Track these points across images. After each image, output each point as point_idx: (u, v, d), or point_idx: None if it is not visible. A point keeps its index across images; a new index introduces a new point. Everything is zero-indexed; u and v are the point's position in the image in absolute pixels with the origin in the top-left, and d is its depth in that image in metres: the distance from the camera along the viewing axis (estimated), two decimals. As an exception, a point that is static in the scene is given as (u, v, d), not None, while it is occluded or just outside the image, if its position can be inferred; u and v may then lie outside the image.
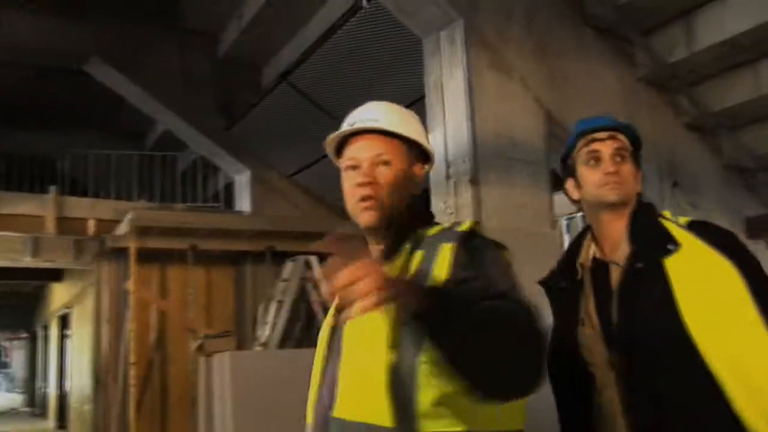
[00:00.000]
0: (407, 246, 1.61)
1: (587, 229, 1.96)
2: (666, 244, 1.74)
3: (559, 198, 5.04)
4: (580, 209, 1.98)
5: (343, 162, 1.72)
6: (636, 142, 1.94)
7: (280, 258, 8.55)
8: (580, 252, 1.93)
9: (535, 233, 4.47)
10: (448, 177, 4.47)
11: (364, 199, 1.64)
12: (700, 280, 1.67)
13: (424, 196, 1.91)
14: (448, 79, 4.51)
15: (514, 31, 4.59)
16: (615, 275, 1.80)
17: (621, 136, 1.90)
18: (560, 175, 2.04)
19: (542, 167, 4.70)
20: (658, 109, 5.50)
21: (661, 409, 1.63)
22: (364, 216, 1.65)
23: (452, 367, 1.26)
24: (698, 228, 1.78)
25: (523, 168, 4.56)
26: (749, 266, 1.69)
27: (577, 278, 1.90)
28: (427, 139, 1.77)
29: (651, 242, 1.77)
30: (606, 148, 1.89)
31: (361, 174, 1.66)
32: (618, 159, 1.87)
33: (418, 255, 1.57)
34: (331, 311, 1.74)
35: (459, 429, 1.41)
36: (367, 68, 7.50)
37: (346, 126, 1.73)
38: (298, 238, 8.69)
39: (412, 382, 1.42)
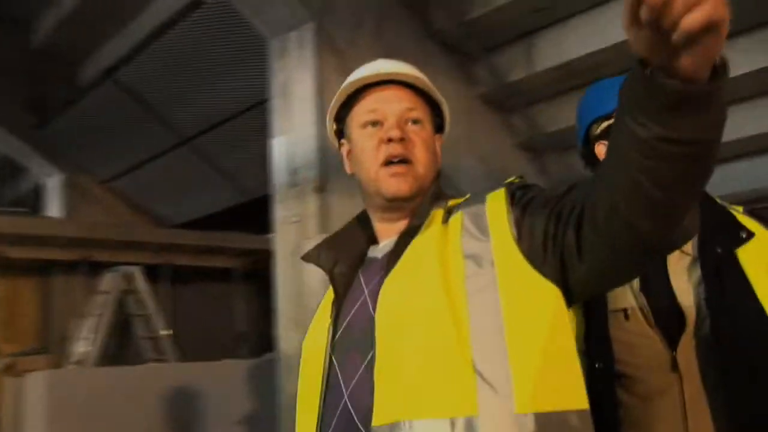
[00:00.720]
0: (438, 215, 1.30)
1: None
2: (738, 231, 1.55)
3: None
4: None
5: (358, 117, 1.38)
6: None
7: (96, 269, 7.93)
8: None
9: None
10: (294, 184, 4.30)
11: (394, 160, 1.31)
12: None
13: None
14: (297, 82, 4.35)
15: (363, 40, 4.52)
16: (678, 262, 1.57)
17: None
18: (584, 138, 1.79)
19: (387, 178, 4.67)
20: (494, 128, 5.65)
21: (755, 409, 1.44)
22: (393, 183, 1.31)
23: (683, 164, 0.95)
24: (759, 217, 1.62)
25: (369, 178, 4.50)
26: None
27: None
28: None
29: (721, 228, 1.57)
30: None
31: (389, 128, 1.33)
32: None
33: (458, 217, 1.27)
34: (323, 314, 1.39)
35: (558, 408, 1.12)
36: (206, 68, 7.15)
37: (354, 80, 1.39)
38: (117, 247, 8.12)
39: (502, 353, 1.12)
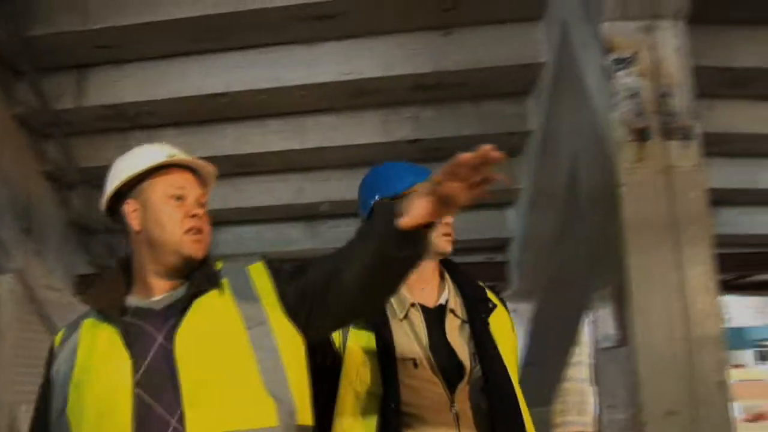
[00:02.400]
0: (210, 277, 1.69)
1: None
2: (488, 302, 2.04)
3: None
4: None
5: (163, 188, 1.73)
6: None
7: None
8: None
9: None
10: None
11: (197, 231, 1.70)
12: (506, 338, 2.01)
13: None
14: None
15: None
16: (452, 323, 1.98)
17: None
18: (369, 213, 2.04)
19: None
20: (24, 152, 5.43)
21: None
22: (194, 247, 1.69)
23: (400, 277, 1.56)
24: (495, 292, 2.13)
25: None
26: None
27: (397, 317, 1.95)
28: None
29: (479, 300, 2.04)
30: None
31: (193, 206, 1.74)
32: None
33: (226, 283, 1.68)
34: (102, 353, 1.61)
35: (308, 423, 1.64)
36: None
37: (162, 156, 1.77)
38: None
39: (285, 381, 1.58)
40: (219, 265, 1.77)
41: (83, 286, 6.04)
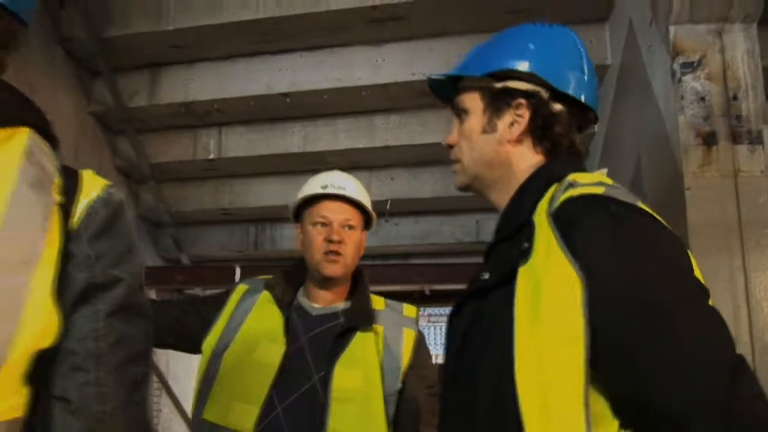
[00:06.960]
0: (368, 312, 1.94)
1: None
2: (522, 242, 1.09)
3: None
4: None
5: (311, 217, 2.03)
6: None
7: None
8: None
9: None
10: None
11: (334, 253, 1.95)
12: (544, 302, 1.02)
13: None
14: None
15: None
16: None
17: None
18: None
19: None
20: (100, 148, 5.63)
21: None
22: (330, 267, 1.96)
23: None
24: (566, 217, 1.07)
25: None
26: (609, 277, 1.02)
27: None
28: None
29: (511, 239, 1.15)
30: None
31: (334, 231, 1.98)
32: None
33: (381, 332, 1.89)
34: (269, 323, 1.90)
35: None
36: None
37: (318, 187, 2.02)
38: None
39: None
40: (381, 305, 1.99)
41: (151, 278, 6.23)
